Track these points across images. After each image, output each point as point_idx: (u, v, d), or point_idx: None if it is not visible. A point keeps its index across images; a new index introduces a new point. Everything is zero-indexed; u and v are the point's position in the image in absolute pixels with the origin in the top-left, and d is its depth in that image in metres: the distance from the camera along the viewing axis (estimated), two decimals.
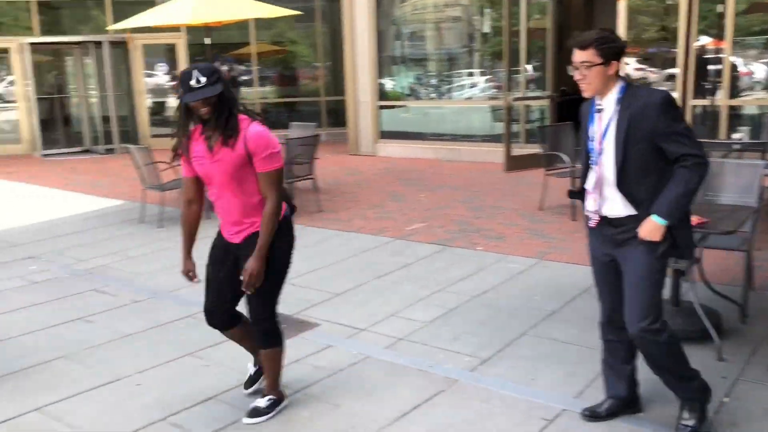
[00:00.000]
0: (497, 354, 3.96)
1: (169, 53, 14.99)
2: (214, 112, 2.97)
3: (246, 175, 3.05)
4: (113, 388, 3.69)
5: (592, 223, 3.01)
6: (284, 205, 3.21)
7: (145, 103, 14.77)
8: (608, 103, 2.88)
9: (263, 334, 3.29)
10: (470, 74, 12.84)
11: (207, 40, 8.63)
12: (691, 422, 3.00)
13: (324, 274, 5.59)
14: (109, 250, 6.55)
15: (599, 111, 2.93)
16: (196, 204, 3.27)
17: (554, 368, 3.75)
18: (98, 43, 14.06)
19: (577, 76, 2.87)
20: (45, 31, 14.52)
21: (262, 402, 3.36)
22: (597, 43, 2.79)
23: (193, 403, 3.49)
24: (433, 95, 12.98)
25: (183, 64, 14.69)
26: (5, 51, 14.48)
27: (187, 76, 2.93)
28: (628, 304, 2.91)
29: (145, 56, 14.64)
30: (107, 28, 10.86)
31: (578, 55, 2.83)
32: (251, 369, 3.60)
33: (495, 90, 12.09)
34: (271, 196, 3.07)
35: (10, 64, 14.47)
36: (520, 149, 10.51)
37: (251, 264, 3.05)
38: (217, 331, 4.41)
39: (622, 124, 2.81)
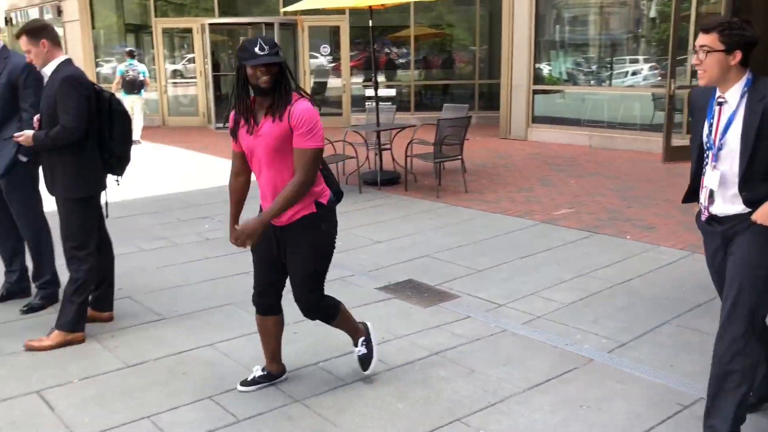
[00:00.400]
0: (637, 339, 3.97)
1: (332, 35, 15.72)
2: (273, 83, 2.95)
3: (288, 152, 3.02)
4: None
5: (704, 217, 2.89)
6: (328, 192, 3.21)
7: (309, 83, 15.63)
8: (732, 96, 2.70)
9: (322, 315, 3.36)
10: (633, 61, 12.36)
11: (370, 23, 9.02)
12: None
13: (467, 251, 5.78)
14: None
15: (720, 104, 2.75)
16: (243, 176, 3.28)
17: (695, 358, 3.70)
18: (270, 25, 15.05)
19: (694, 60, 2.72)
20: (222, 13, 15.78)
21: (361, 349, 3.55)
22: (721, 28, 2.63)
23: (341, 353, 3.84)
24: (591, 81, 12.64)
25: (345, 46, 15.37)
26: (188, 31, 15.93)
27: (251, 43, 2.92)
28: (723, 302, 2.76)
29: (310, 38, 15.47)
30: (282, 11, 11.61)
31: (700, 39, 2.68)
32: (257, 371, 3.51)
33: (659, 78, 11.56)
34: (300, 173, 3.00)
35: (192, 43, 15.90)
36: (681, 140, 10.03)
37: (251, 224, 3.01)
38: (366, 292, 4.80)
39: (753, 118, 2.63)
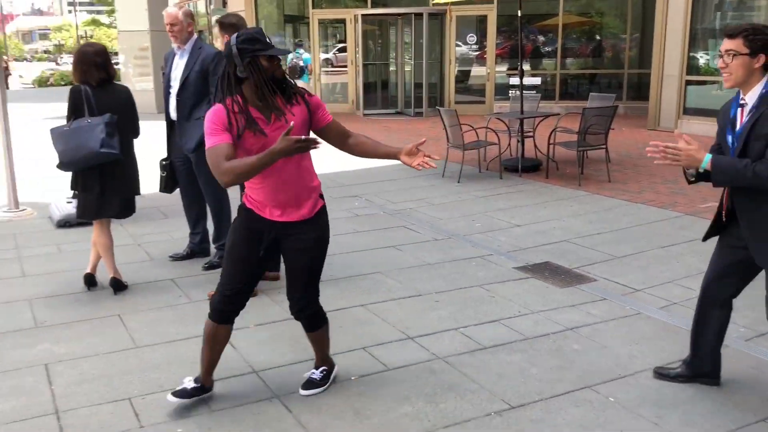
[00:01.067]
0: None
1: (479, 24, 15.90)
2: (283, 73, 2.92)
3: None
4: (417, 300, 4.53)
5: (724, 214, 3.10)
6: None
7: (453, 71, 15.93)
8: (751, 97, 2.89)
9: (313, 317, 3.29)
10: None
11: (519, 12, 9.16)
12: None
13: (606, 238, 5.88)
14: (416, 197, 7.58)
15: (741, 106, 2.93)
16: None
17: None
18: (419, 15, 15.49)
19: (719, 64, 2.91)
20: (373, 3, 16.42)
21: (316, 375, 3.37)
22: (746, 33, 2.83)
23: (479, 322, 4.17)
24: None
25: (492, 34, 15.50)
26: (341, 21, 16.74)
27: (259, 34, 2.82)
28: None
29: (457, 27, 15.74)
30: (432, 2, 11.95)
31: (725, 44, 2.88)
32: (189, 383, 3.22)
33: None
34: (350, 131, 3.17)
35: (344, 33, 16.70)
36: None
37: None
38: (504, 270, 5.08)
39: (754, 117, 2.83)
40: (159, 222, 6.61)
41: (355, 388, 3.38)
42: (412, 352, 3.77)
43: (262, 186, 2.96)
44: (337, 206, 7.18)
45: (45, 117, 15.52)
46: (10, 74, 29.95)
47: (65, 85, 27.67)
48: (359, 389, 3.37)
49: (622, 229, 6.15)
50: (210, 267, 5.17)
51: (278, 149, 2.67)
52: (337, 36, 17.74)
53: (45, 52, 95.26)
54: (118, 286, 4.68)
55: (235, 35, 2.85)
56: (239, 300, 3.15)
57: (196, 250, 5.44)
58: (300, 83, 14.40)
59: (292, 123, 2.74)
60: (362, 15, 15.76)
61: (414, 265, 5.27)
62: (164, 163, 5.24)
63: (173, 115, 5.07)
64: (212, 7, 19.72)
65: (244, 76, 2.82)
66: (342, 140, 3.18)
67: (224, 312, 3.15)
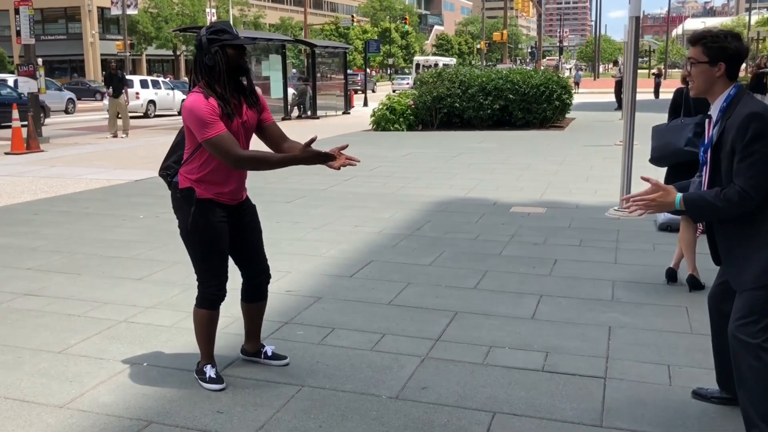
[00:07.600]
0: None
1: None
2: None
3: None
4: None
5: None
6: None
7: None
8: (714, 110, 3.28)
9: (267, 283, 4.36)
10: None
11: None
12: None
13: None
14: None
15: (708, 118, 3.34)
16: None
17: None
18: None
19: (683, 72, 3.46)
20: None
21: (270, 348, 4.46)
22: (705, 41, 3.21)
23: None
24: None
25: None
26: None
27: (227, 26, 3.69)
28: None
29: None
30: None
31: (689, 51, 3.33)
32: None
33: None
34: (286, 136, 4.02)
35: None
36: None
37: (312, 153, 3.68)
38: None
39: (719, 134, 3.21)
40: None
41: None
42: None
43: (228, 176, 3.85)
44: None
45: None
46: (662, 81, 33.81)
47: None
48: None
49: None
50: None
51: (301, 157, 3.65)
52: None
53: None
54: (694, 284, 5.76)
55: (205, 27, 3.80)
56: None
57: None
58: None
59: (315, 136, 3.78)
60: None
61: None
62: None
63: None
64: None
65: (210, 63, 3.66)
66: (278, 143, 3.98)
67: (223, 297, 4.09)
